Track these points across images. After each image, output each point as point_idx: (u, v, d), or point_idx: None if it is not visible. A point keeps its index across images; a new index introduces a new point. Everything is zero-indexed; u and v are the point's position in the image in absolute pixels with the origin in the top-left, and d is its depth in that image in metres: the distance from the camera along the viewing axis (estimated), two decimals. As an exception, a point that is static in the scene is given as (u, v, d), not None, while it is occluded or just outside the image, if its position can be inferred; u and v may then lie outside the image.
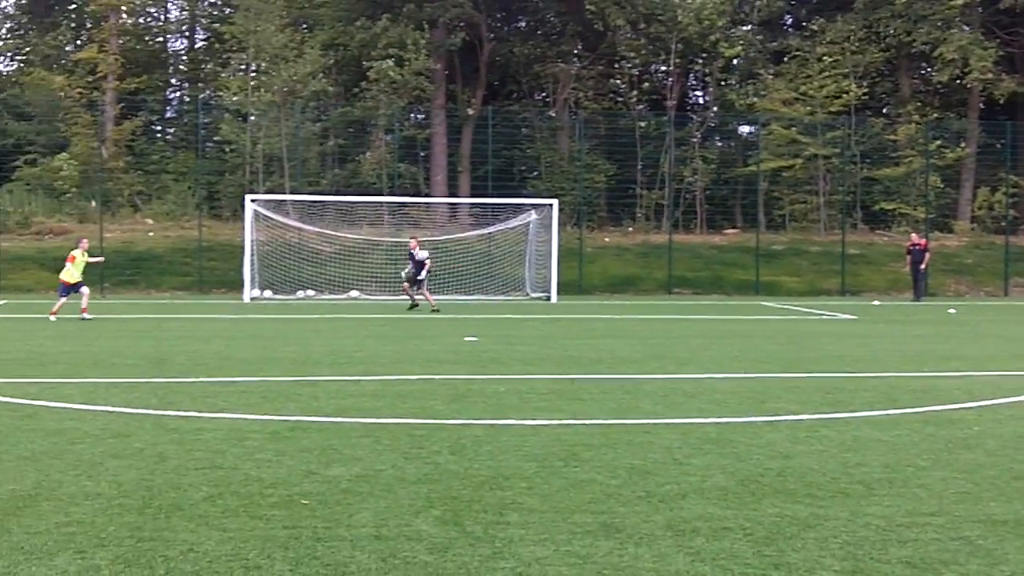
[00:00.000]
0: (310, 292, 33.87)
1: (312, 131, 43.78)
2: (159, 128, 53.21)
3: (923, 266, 35.03)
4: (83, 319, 23.25)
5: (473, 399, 11.94)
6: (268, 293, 33.47)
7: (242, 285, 32.77)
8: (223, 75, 46.14)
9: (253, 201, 33.67)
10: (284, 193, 39.21)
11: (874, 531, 6.57)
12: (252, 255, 33.00)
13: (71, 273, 24.24)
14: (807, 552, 6.11)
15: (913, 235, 36.63)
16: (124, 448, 8.95)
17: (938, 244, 41.51)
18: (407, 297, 28.86)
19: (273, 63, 42.07)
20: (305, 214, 36.75)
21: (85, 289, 24.26)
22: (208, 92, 47.97)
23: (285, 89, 41.63)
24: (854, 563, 5.91)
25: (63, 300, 24.16)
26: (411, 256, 28.74)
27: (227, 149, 44.44)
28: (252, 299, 32.29)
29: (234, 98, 43.43)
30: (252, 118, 43.17)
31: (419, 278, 28.35)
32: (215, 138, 45.67)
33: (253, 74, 44.09)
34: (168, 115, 55.14)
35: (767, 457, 8.77)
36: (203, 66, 51.32)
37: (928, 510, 7.09)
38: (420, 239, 30.28)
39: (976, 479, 8.02)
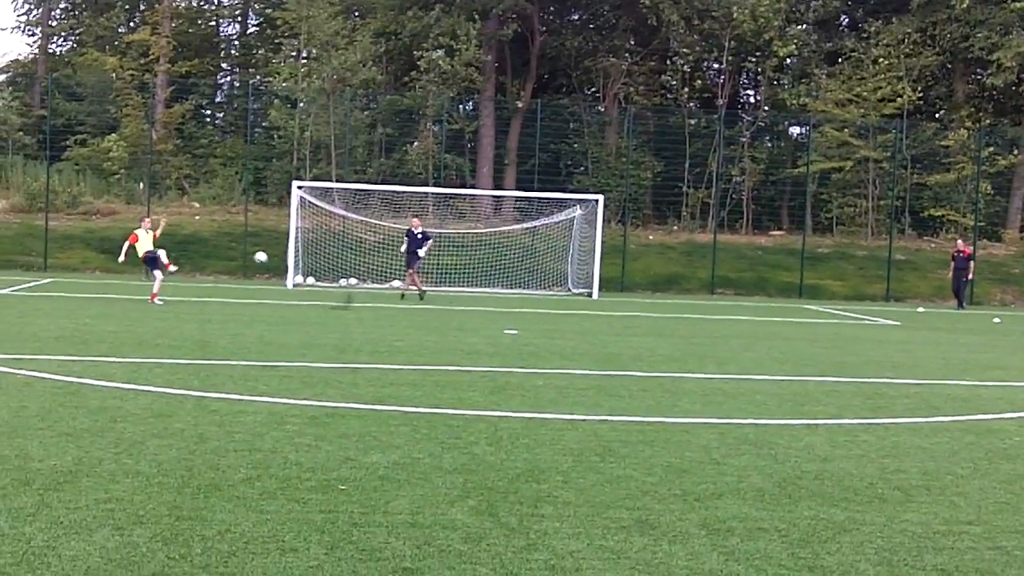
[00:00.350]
0: (352, 280, 34.04)
1: (360, 120, 43.97)
2: (208, 112, 53.71)
3: (969, 275, 34.61)
4: (154, 304, 22.89)
5: (511, 392, 11.97)
6: (311, 280, 33.68)
7: (286, 271, 32.99)
8: (274, 61, 46.49)
9: (299, 188, 33.87)
10: (330, 181, 39.40)
11: (910, 538, 6.53)
12: (296, 242, 33.21)
13: (144, 245, 23.78)
14: (842, 556, 6.09)
15: (959, 242, 36.17)
16: (165, 428, 9.05)
17: (986, 253, 41.08)
18: (415, 288, 29.11)
19: (324, 50, 42.27)
20: (350, 202, 36.93)
21: (159, 273, 23.86)
22: (258, 78, 48.31)
23: (335, 77, 41.82)
24: (889, 568, 5.88)
25: (159, 273, 23.84)
26: (409, 234, 29.02)
27: (275, 135, 44.74)
28: (295, 286, 32.51)
29: (284, 84, 43.69)
30: (301, 105, 43.41)
31: (419, 253, 28.70)
32: (264, 124, 46.00)
33: (304, 61, 44.36)
34: (218, 100, 55.66)
35: (805, 460, 8.73)
36: (254, 51, 51.73)
37: (965, 519, 7.03)
38: (417, 222, 30.26)
39: (1015, 489, 7.94)
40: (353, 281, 34.00)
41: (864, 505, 7.30)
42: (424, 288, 28.82)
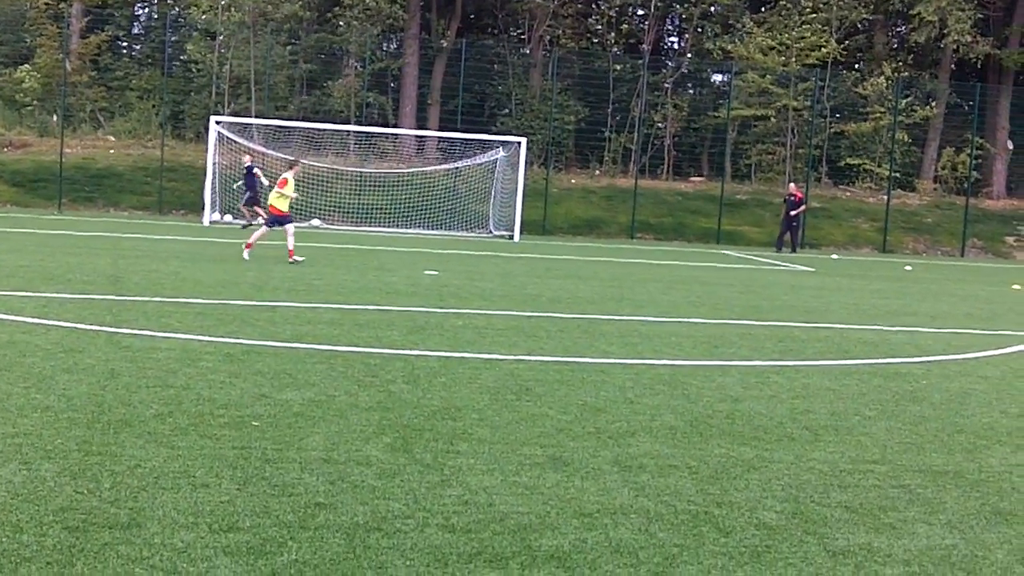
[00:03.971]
0: (272, 218, 33.62)
1: (282, 55, 43.19)
2: (125, 44, 52.27)
3: (794, 212, 34.86)
4: (293, 262, 19.72)
5: (430, 331, 11.96)
6: (228, 217, 33.20)
7: (202, 208, 32.51)
8: (193, -8, 45.35)
9: (218, 123, 33.30)
10: (250, 116, 38.76)
11: (817, 475, 6.68)
12: (214, 178, 32.70)
13: (282, 200, 20.52)
14: (750, 492, 6.21)
15: (791, 185, 36.48)
16: (75, 363, 8.90)
17: (900, 202, 41.83)
18: (246, 221, 29.87)
19: (245, -17, 41.35)
20: (270, 139, 36.38)
21: (291, 227, 20.59)
22: (177, 9, 47.17)
23: (256, 10, 40.98)
24: (795, 505, 6.01)
25: (265, 231, 20.97)
26: (249, 171, 29.70)
27: (194, 69, 43.81)
28: (212, 223, 32.04)
29: (203, 17, 42.71)
30: (221, 38, 42.52)
31: (259, 193, 29.33)
32: (182, 57, 44.99)
33: (224, -7, 43.38)
34: (135, 31, 54.17)
35: (717, 400, 8.87)
36: (173, -18, 50.38)
37: (871, 458, 7.20)
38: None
39: (920, 431, 8.16)
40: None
41: (773, 444, 7.44)
42: (252, 221, 29.53)
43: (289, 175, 20.90)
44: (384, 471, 6.21)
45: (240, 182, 30.33)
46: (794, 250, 34.79)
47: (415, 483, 6.01)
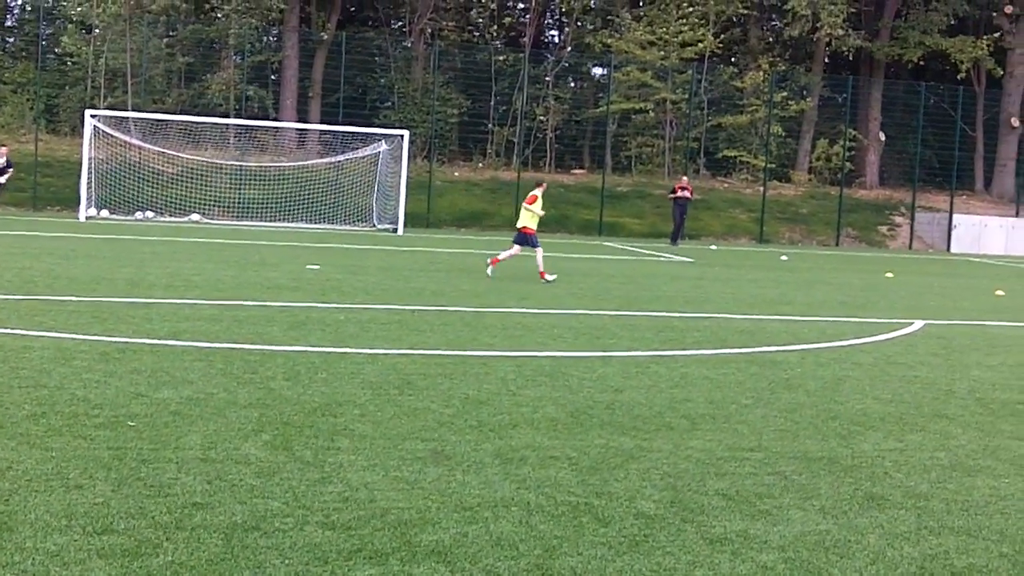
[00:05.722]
0: (149, 214, 32.95)
1: (159, 47, 42.30)
2: (-4, 36, 50.67)
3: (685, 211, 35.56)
4: (546, 282, 18.69)
5: (312, 327, 11.86)
6: (105, 213, 32.43)
7: (78, 203, 31.68)
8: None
9: (93, 116, 32.49)
10: (127, 110, 37.86)
11: (695, 464, 6.80)
12: (90, 173, 31.90)
13: (532, 218, 19.59)
14: (629, 482, 6.30)
15: (684, 179, 37.13)
16: (-59, 364, 8.61)
17: (776, 193, 42.81)
18: None
19: (119, -27, 40.40)
20: (148, 133, 35.60)
21: (540, 249, 19.45)
22: (51, 1, 45.85)
23: (132, 2, 40.04)
24: (673, 493, 6.11)
25: (516, 251, 19.79)
26: (9, 164, 30.76)
27: (69, 62, 42.66)
28: (88, 218, 31.25)
29: (78, 8, 41.59)
30: (96, 31, 41.46)
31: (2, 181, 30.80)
32: (56, 50, 43.77)
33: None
34: (8, 23, 52.50)
35: (598, 390, 8.97)
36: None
37: (747, 445, 7.36)
38: None
39: (795, 418, 8.36)
40: (150, 214, 32.91)
41: (652, 433, 7.55)
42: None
43: (538, 192, 19.91)
44: (263, 469, 6.14)
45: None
46: (675, 242, 35.31)
47: (295, 481, 5.95)
